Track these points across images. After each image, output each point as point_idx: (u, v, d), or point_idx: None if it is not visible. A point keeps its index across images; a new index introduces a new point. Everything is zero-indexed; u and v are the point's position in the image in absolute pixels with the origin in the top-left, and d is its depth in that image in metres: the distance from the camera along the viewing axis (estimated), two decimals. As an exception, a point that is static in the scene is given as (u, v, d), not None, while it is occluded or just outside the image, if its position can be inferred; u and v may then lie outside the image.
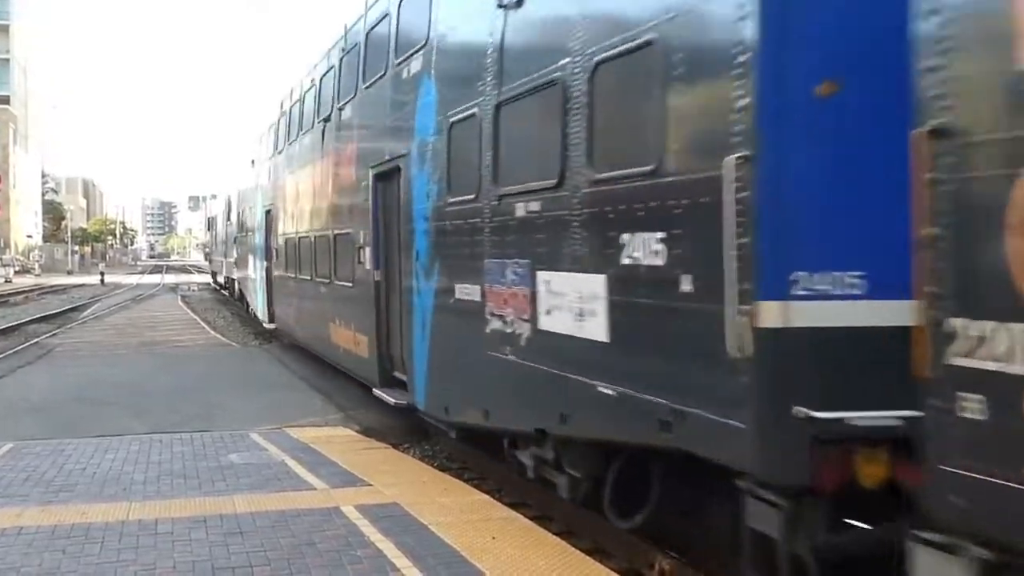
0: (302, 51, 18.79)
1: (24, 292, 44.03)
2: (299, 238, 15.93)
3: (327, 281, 13.55)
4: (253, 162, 23.24)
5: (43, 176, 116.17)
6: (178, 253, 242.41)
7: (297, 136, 16.29)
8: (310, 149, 14.90)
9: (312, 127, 14.58)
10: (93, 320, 28.71)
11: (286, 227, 17.61)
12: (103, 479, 7.91)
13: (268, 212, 19.88)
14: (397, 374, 10.40)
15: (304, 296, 15.91)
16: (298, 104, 16.24)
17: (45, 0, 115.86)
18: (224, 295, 39.50)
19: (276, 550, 5.91)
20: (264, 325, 21.20)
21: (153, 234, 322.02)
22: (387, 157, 10.28)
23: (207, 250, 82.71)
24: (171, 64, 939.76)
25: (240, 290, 29.49)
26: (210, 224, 52.05)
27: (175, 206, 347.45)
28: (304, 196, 15.62)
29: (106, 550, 5.94)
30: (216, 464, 8.47)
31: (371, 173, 10.87)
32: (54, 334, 23.45)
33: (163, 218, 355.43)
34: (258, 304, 22.25)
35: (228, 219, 34.12)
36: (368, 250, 11.06)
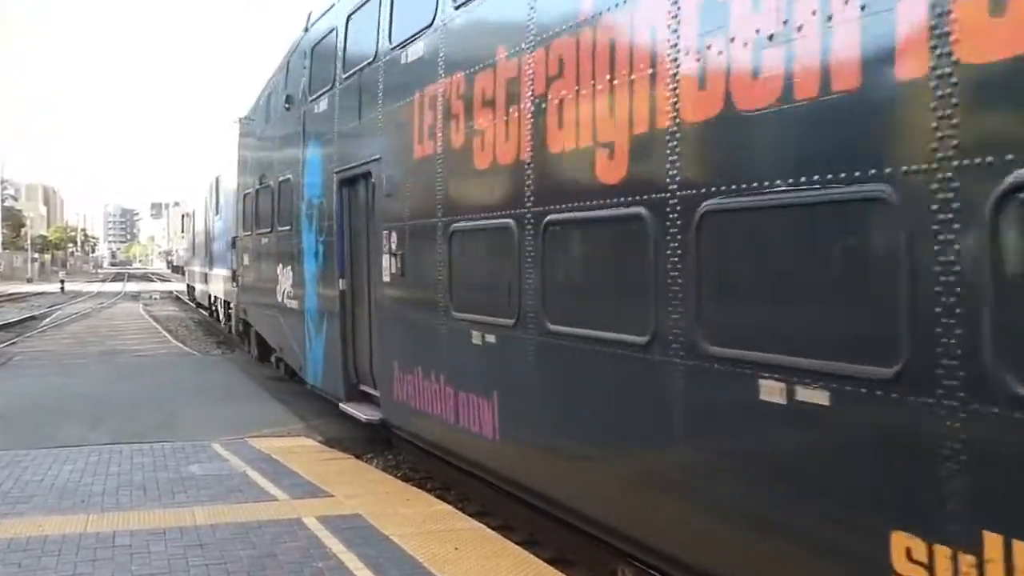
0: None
1: (-19, 300, 43.29)
2: (574, 221, 6.12)
3: None
4: (289, 100, 13.03)
5: (2, 182, 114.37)
6: (140, 261, 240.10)
7: None
8: None
9: None
10: (53, 328, 28.28)
11: (463, 198, 7.76)
12: (61, 491, 7.80)
13: (347, 183, 10.59)
14: None
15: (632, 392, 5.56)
16: None
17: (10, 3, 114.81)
18: (195, 309, 38.48)
19: (236, 562, 5.88)
20: (343, 408, 10.68)
21: (115, 242, 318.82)
22: None
23: (170, 258, 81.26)
24: (142, 71, 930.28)
25: (243, 319, 18.26)
26: (184, 224, 40.64)
27: (137, 213, 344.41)
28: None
29: (63, 563, 5.86)
30: (176, 475, 8.39)
31: None
32: (13, 342, 23.09)
33: (125, 226, 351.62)
34: (310, 357, 12.25)
35: (216, 212, 24.08)
36: None
